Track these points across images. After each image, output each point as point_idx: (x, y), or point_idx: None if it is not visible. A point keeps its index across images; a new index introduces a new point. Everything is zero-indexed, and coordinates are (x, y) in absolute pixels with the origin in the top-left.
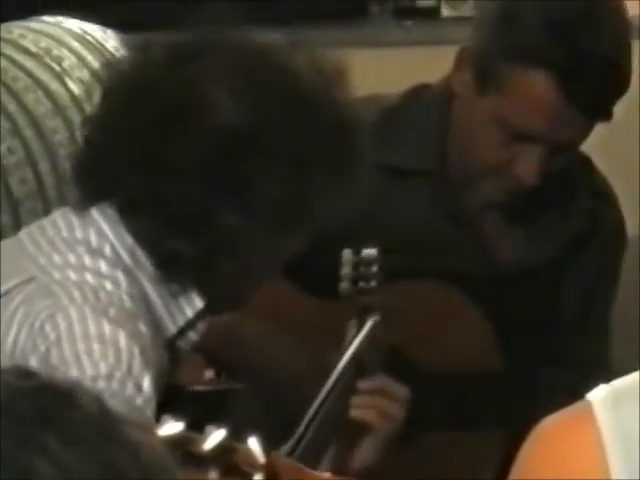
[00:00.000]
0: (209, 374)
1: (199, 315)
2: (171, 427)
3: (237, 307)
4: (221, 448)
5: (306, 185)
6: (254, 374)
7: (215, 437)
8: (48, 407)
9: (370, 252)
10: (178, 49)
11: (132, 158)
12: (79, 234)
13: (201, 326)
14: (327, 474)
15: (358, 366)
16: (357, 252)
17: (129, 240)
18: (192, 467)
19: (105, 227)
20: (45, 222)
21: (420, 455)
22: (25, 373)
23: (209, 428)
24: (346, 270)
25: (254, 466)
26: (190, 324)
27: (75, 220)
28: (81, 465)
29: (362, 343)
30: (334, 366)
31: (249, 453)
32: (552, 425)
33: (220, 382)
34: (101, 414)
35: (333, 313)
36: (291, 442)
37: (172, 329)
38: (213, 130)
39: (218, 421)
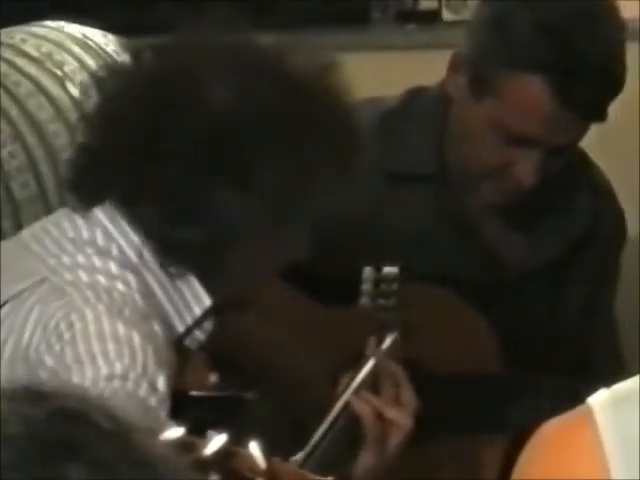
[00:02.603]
0: (213, 378)
1: (207, 313)
2: (172, 432)
3: (245, 305)
4: (222, 453)
5: (304, 169)
6: (265, 374)
7: (216, 442)
8: (69, 435)
9: (391, 270)
10: (169, 46)
11: (130, 151)
12: (86, 235)
13: (208, 325)
14: (330, 478)
15: (375, 381)
16: (378, 269)
17: (135, 238)
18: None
19: (110, 227)
20: (48, 224)
21: (423, 458)
22: (36, 395)
23: (210, 433)
24: (367, 286)
25: (255, 471)
26: (198, 322)
27: (80, 221)
28: None
29: (380, 359)
30: (346, 374)
31: (250, 458)
32: (553, 428)
33: (225, 387)
34: (117, 431)
35: (348, 321)
36: (304, 452)
37: (180, 328)
38: (208, 116)
39: (222, 427)
